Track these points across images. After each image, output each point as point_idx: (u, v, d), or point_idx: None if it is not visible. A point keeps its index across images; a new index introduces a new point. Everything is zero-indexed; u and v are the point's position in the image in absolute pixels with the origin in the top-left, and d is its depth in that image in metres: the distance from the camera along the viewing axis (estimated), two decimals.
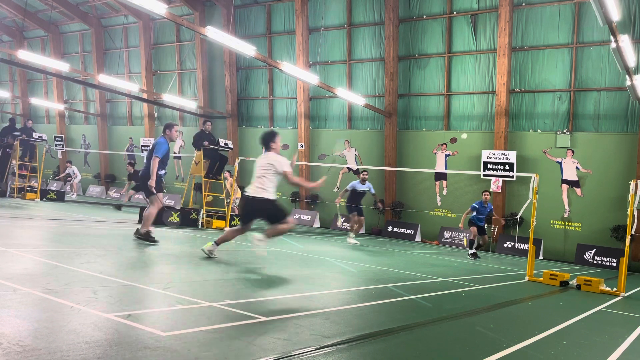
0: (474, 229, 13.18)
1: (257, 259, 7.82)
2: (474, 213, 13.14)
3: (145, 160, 8.64)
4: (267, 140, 7.26)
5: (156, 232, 10.59)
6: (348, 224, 13.97)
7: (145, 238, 8.22)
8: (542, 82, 17.16)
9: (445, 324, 4.80)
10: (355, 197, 13.75)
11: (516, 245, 16.74)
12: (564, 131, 16.88)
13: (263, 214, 7.07)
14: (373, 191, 13.91)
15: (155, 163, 8.21)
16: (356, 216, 13.80)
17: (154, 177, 8.21)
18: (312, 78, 16.25)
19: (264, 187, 6.94)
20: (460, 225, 13.77)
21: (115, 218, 13.66)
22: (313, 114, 21.93)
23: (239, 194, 16.08)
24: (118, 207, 17.04)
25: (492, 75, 17.93)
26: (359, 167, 20.73)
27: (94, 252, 6.73)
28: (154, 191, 8.32)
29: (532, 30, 17.15)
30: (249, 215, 7.19)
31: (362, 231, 19.95)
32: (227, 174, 15.87)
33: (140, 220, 8.84)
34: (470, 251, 13.29)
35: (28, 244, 7.13)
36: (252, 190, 7.02)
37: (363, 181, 13.72)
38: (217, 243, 7.35)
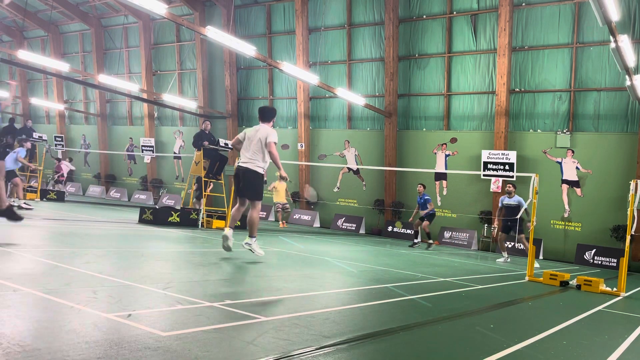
0: (418, 221, 15.02)
1: (257, 259, 7.83)
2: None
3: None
4: (271, 116, 7.65)
5: (156, 232, 10.63)
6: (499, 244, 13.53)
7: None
8: (542, 82, 17.17)
9: (445, 324, 4.80)
10: (507, 213, 12.71)
11: (516, 245, 16.72)
12: (564, 131, 16.88)
13: (251, 188, 7.40)
14: (525, 205, 11.64)
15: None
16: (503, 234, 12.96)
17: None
18: (312, 78, 16.25)
19: (255, 158, 7.32)
20: (410, 219, 15.71)
21: (115, 218, 13.66)
22: (313, 114, 21.93)
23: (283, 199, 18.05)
24: None
25: (492, 75, 17.93)
26: (358, 167, 20.75)
27: (94, 252, 6.73)
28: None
29: (532, 30, 17.15)
30: (245, 187, 7.44)
31: (362, 231, 19.97)
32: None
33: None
34: (415, 240, 15.19)
35: (28, 244, 7.12)
36: (244, 161, 7.40)
37: (509, 194, 12.62)
38: (231, 227, 7.56)
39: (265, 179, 7.70)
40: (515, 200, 12.55)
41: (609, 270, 14.68)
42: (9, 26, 31.39)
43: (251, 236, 7.45)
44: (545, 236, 16.93)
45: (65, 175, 23.58)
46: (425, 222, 14.71)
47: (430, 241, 14.89)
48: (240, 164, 7.44)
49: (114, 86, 22.55)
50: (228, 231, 7.49)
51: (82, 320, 3.44)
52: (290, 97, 22.50)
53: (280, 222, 18.20)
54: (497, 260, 13.40)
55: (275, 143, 7.38)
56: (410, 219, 15.51)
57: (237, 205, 7.66)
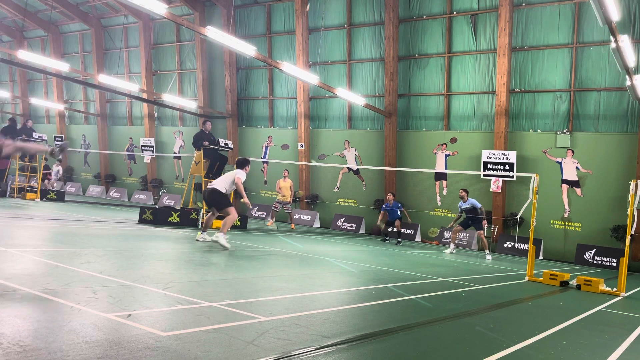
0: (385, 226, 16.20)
1: (257, 259, 7.83)
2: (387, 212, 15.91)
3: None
4: (244, 165, 9.88)
5: (156, 232, 10.64)
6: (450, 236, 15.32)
7: None
8: (542, 82, 17.16)
9: (445, 324, 4.80)
10: (466, 215, 14.41)
11: (516, 245, 16.75)
12: (564, 131, 16.88)
13: (215, 203, 9.61)
14: (479, 205, 14.17)
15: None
16: (460, 229, 14.69)
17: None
18: (312, 78, 16.24)
19: (221, 185, 9.54)
20: (378, 222, 16.47)
21: (115, 218, 13.66)
22: (313, 114, 21.93)
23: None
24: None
25: (492, 75, 17.93)
26: (358, 167, 20.75)
27: (94, 252, 6.73)
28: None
29: (532, 30, 17.14)
30: (209, 202, 9.76)
31: (362, 231, 19.98)
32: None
33: None
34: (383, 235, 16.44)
35: (28, 244, 7.13)
36: (212, 184, 9.68)
37: (463, 199, 14.24)
38: (204, 230, 9.73)
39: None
40: (469, 203, 14.09)
41: (609, 270, 14.68)
42: (9, 26, 31.39)
43: (221, 232, 9.04)
44: (545, 236, 16.93)
45: (54, 178, 23.14)
46: (397, 222, 15.76)
47: (399, 239, 15.89)
48: (208, 185, 9.69)
49: (114, 86, 22.54)
50: (200, 235, 9.67)
51: (82, 320, 3.45)
52: (290, 97, 22.50)
53: (292, 224, 18.47)
54: (444, 251, 14.59)
55: (240, 179, 9.53)
56: (379, 221, 16.26)
57: (210, 214, 9.90)
